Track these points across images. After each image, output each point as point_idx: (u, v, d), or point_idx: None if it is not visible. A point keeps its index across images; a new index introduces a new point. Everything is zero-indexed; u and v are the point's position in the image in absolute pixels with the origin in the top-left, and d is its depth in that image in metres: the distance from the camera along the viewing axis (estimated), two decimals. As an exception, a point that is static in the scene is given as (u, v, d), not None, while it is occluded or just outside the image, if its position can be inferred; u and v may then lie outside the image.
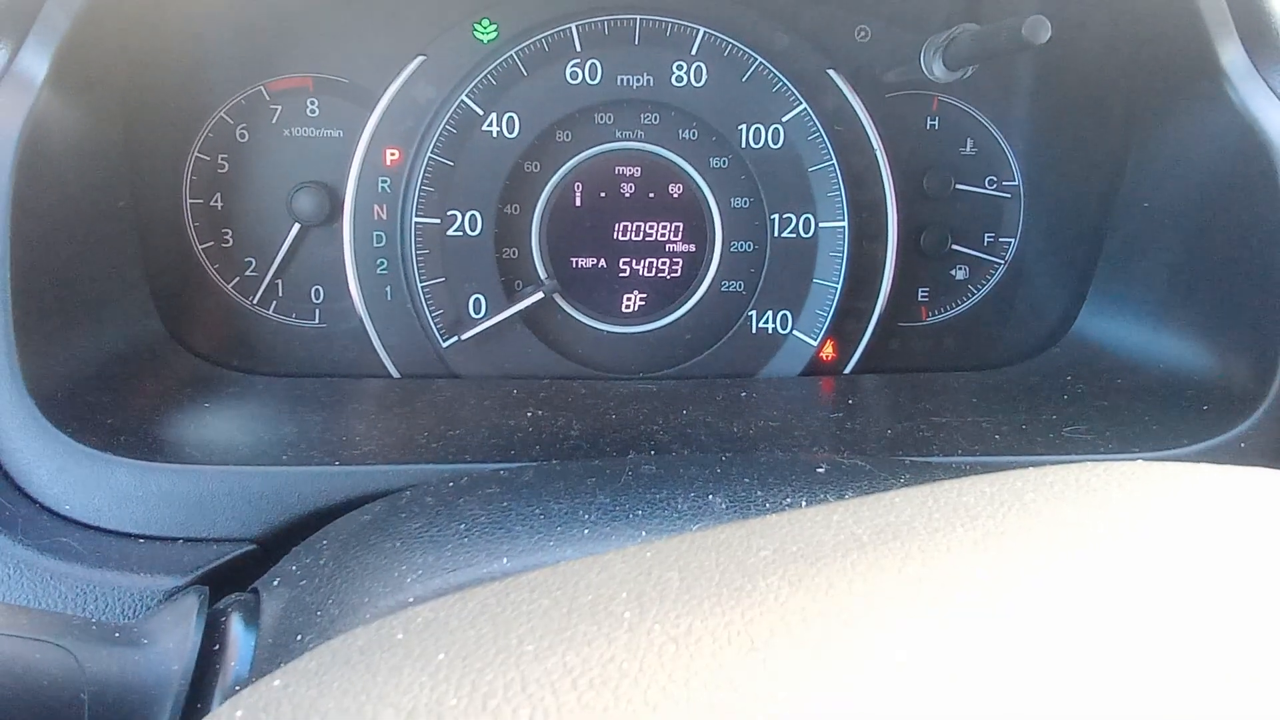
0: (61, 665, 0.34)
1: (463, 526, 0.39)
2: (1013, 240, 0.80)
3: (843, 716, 0.19)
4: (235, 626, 0.39)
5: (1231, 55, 0.63)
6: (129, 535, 0.51)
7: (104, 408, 0.56)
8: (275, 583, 0.42)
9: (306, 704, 0.22)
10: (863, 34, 0.77)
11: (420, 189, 0.73)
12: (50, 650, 0.34)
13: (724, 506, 0.39)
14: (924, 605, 0.22)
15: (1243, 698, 0.19)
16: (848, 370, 0.77)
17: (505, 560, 0.37)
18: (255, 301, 0.75)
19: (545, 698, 0.20)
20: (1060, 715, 0.19)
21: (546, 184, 0.75)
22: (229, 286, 0.75)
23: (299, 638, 0.37)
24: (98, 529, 0.51)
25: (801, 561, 0.25)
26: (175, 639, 0.38)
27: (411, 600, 0.36)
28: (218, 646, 0.38)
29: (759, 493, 0.40)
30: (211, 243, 0.75)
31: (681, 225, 0.76)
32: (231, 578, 0.48)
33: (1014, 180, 0.80)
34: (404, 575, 0.37)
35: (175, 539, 0.51)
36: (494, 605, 0.26)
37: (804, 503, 0.39)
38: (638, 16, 0.73)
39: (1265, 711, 0.19)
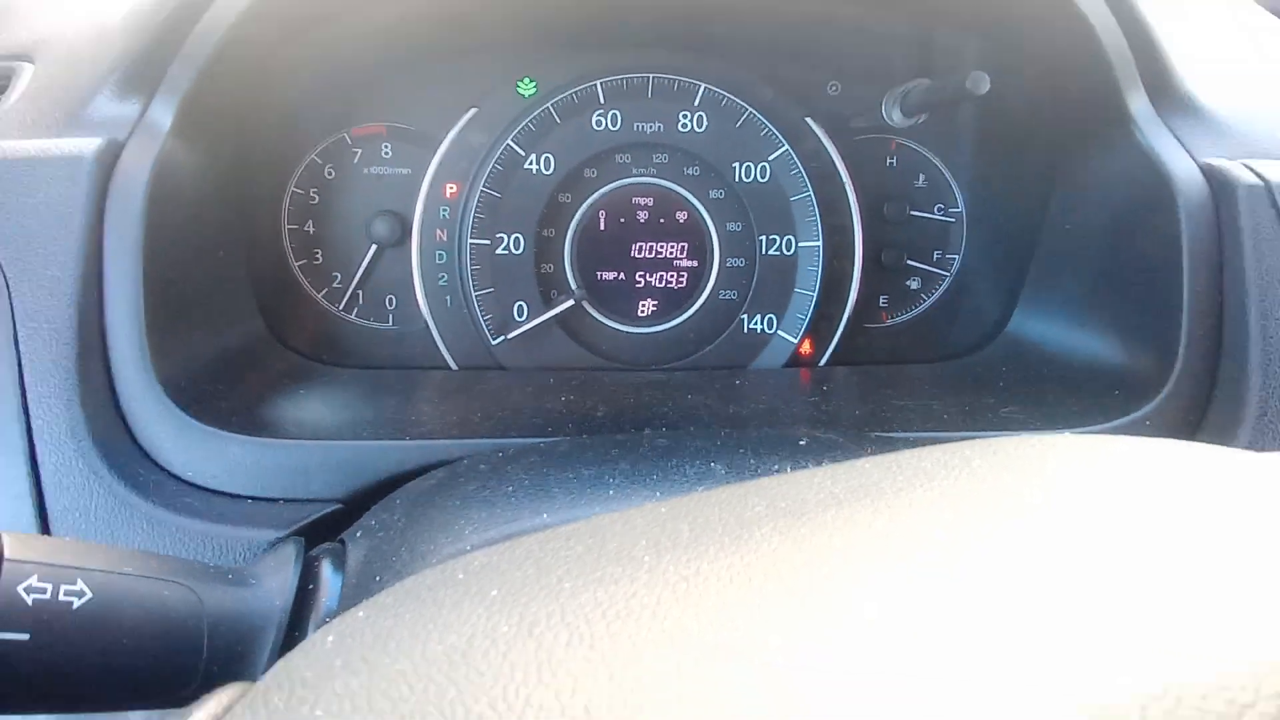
0: (187, 601, 0.35)
1: (510, 489, 0.40)
2: (957, 257, 0.82)
3: (824, 640, 0.19)
4: (326, 570, 0.41)
5: (1138, 104, 0.64)
6: (239, 496, 0.52)
7: (219, 394, 0.57)
8: (358, 534, 0.43)
9: (385, 631, 0.23)
10: (834, 88, 0.79)
11: (474, 216, 0.75)
12: (178, 589, 0.35)
13: (723, 472, 0.40)
14: (890, 552, 0.23)
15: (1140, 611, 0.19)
16: (822, 363, 0.78)
17: (544, 516, 0.38)
18: (340, 308, 0.78)
19: (580, 626, 0.21)
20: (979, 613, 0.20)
21: (576, 211, 0.77)
22: (319, 296, 0.77)
23: (377, 579, 0.38)
24: (214, 491, 0.52)
25: (789, 515, 0.26)
26: (278, 580, 0.39)
27: (469, 548, 0.36)
28: (312, 586, 0.40)
29: (752, 461, 0.41)
30: (305, 260, 0.77)
31: (686, 245, 0.78)
32: (321, 531, 0.50)
33: (958, 207, 0.81)
34: (463, 528, 0.38)
35: (276, 499, 0.52)
36: (537, 551, 0.27)
37: (789, 468, 0.40)
38: (650, 75, 0.75)
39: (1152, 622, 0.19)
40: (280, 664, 0.24)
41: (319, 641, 0.24)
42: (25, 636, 0.30)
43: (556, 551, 0.26)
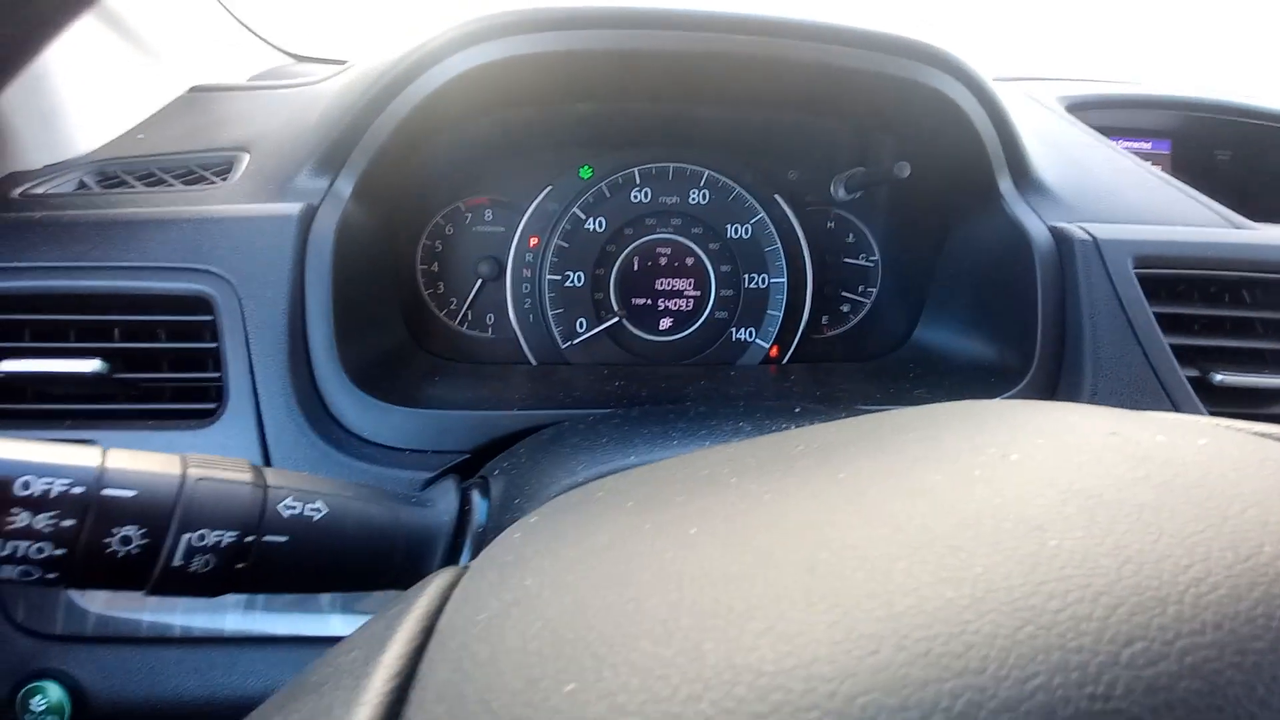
0: (387, 516, 0.35)
1: (604, 440, 0.40)
2: (875, 289, 0.82)
3: (867, 521, 0.19)
4: (475, 496, 0.41)
5: (1005, 184, 0.65)
6: (399, 449, 0.52)
7: (384, 379, 0.58)
8: (495, 472, 0.43)
9: (558, 528, 0.23)
10: (794, 175, 0.80)
11: (550, 260, 0.75)
12: (381, 508, 0.35)
13: (749, 429, 0.40)
14: (894, 463, 0.23)
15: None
16: (785, 361, 0.79)
17: (632, 457, 0.37)
18: (456, 323, 0.77)
19: (702, 521, 0.21)
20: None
21: (619, 257, 0.77)
22: (441, 315, 0.77)
23: (515, 501, 0.38)
24: (381, 445, 0.52)
25: (823, 452, 0.25)
26: (445, 503, 0.39)
27: (580, 481, 0.36)
28: (467, 507, 0.40)
29: (767, 421, 0.41)
30: (432, 290, 0.77)
31: (693, 280, 0.79)
32: (461, 472, 0.49)
33: (876, 256, 0.82)
34: (574, 465, 0.38)
35: (425, 451, 0.52)
36: (650, 477, 0.26)
37: (795, 425, 0.40)
38: (671, 164, 0.76)
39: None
40: (484, 554, 0.24)
41: (509, 536, 0.24)
42: (285, 539, 0.30)
43: (665, 478, 0.26)
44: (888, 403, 0.57)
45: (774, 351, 0.78)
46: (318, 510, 0.32)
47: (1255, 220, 0.67)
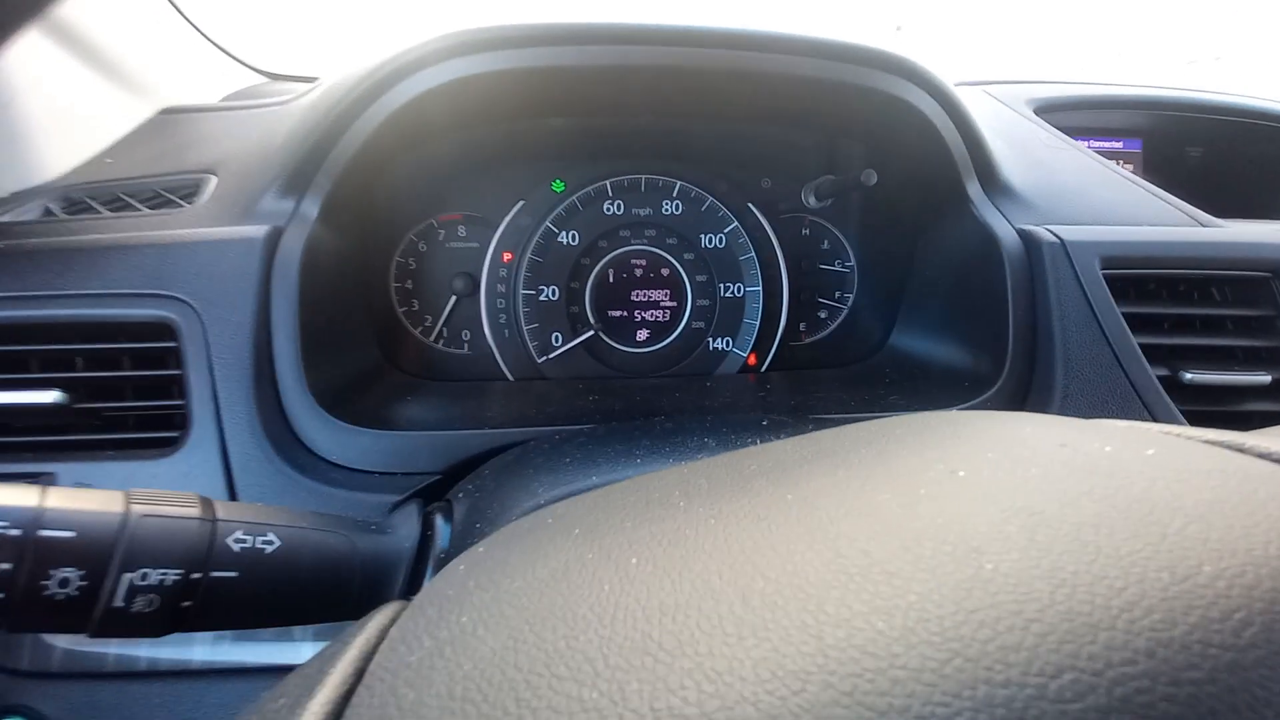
0: (345, 545, 0.34)
1: (567, 460, 0.39)
2: (851, 295, 0.82)
3: (809, 545, 0.18)
4: (438, 520, 0.40)
5: (974, 189, 0.65)
6: (368, 472, 0.51)
7: (352, 400, 0.56)
8: (460, 495, 0.42)
9: (502, 559, 0.23)
10: (766, 183, 0.80)
11: (524, 275, 0.75)
12: (338, 537, 0.34)
13: (714, 444, 0.40)
14: (842, 482, 0.22)
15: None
16: (763, 369, 0.78)
17: (594, 478, 0.37)
18: (431, 340, 0.76)
19: (644, 549, 0.20)
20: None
21: (594, 270, 0.77)
22: (416, 332, 0.76)
23: (477, 526, 0.37)
24: (351, 469, 0.51)
25: (775, 470, 0.25)
26: (406, 528, 0.38)
27: (543, 502, 0.35)
28: (430, 532, 0.39)
29: (732, 436, 0.40)
30: (406, 308, 0.76)
31: (669, 291, 0.78)
32: (427, 495, 0.49)
33: (851, 262, 0.82)
34: (536, 488, 0.37)
35: (394, 473, 0.51)
36: (602, 501, 0.26)
37: (759, 441, 0.39)
38: (643, 175, 0.76)
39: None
40: (426, 587, 0.23)
41: (454, 569, 0.23)
42: (234, 574, 0.29)
43: (615, 501, 0.25)
44: (861, 410, 0.57)
45: (752, 360, 0.78)
46: (270, 542, 0.31)
47: (1228, 217, 0.68)
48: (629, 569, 0.20)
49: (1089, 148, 0.77)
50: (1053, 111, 0.87)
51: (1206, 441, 0.24)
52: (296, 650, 0.53)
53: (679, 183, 0.76)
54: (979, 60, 1.05)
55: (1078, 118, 0.91)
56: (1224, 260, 0.61)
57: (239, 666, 0.52)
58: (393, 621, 0.22)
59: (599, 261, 0.76)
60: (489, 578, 0.22)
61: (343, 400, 0.55)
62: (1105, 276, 0.59)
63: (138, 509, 0.28)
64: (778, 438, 0.40)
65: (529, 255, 0.74)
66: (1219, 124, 0.94)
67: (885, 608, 0.15)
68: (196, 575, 0.28)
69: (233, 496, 0.48)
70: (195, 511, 0.29)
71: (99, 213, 0.60)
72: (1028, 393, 0.58)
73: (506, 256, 0.74)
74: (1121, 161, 0.95)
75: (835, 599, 0.16)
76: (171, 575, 0.28)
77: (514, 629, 0.18)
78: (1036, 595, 0.15)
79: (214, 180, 0.62)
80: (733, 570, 0.18)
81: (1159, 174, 0.93)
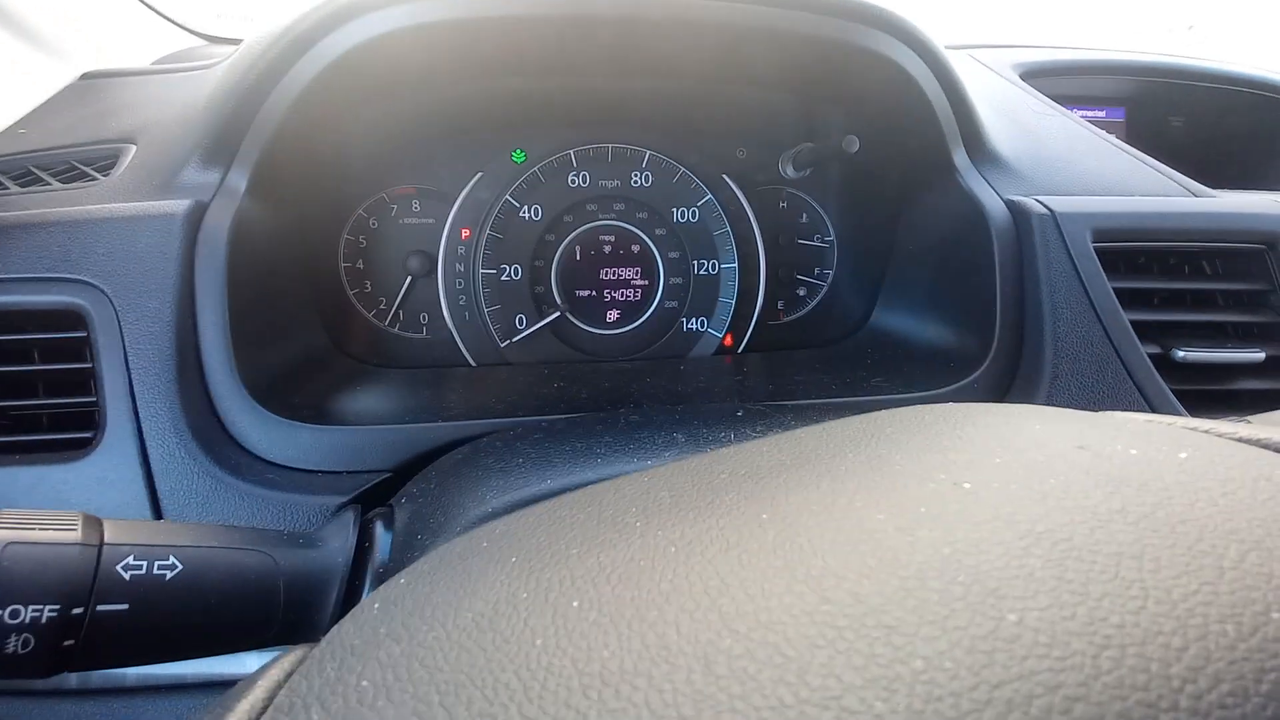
0: (264, 564, 0.31)
1: (520, 460, 0.36)
2: (831, 271, 0.79)
3: (788, 585, 0.16)
4: (379, 530, 0.36)
5: (960, 157, 0.62)
6: (309, 471, 0.47)
7: (292, 392, 0.52)
8: (403, 500, 0.38)
9: (422, 598, 0.19)
10: (741, 153, 0.76)
11: (483, 253, 0.70)
12: (256, 555, 0.31)
13: (683, 440, 0.37)
14: (835, 506, 0.19)
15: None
16: (740, 351, 0.75)
17: (548, 482, 0.33)
18: (386, 324, 0.71)
19: (588, 589, 0.17)
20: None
21: (559, 247, 0.73)
22: (369, 315, 0.72)
23: (419, 536, 0.33)
24: (289, 468, 0.47)
25: (749, 480, 0.21)
26: (340, 541, 0.34)
27: (490, 510, 0.32)
28: (368, 544, 0.35)
29: (704, 430, 0.37)
30: (358, 290, 0.71)
31: (640, 269, 0.74)
32: (376, 496, 0.45)
33: (830, 236, 0.78)
34: (484, 494, 0.34)
35: (340, 472, 0.47)
36: (546, 519, 0.22)
37: (732, 436, 0.36)
38: (610, 145, 0.71)
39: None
40: (333, 632, 0.19)
41: (367, 608, 0.20)
42: (125, 607, 0.25)
43: (562, 519, 0.22)
44: (844, 394, 0.54)
45: (728, 341, 0.74)
46: (170, 567, 0.27)
47: (1213, 188, 0.65)
48: (568, 615, 0.16)
49: (1076, 115, 0.74)
50: (1040, 77, 0.84)
51: (1241, 440, 0.21)
52: (239, 662, 0.49)
53: (648, 152, 0.71)
54: (956, 25, 1.02)
55: (1062, 85, 0.88)
56: (1220, 231, 0.59)
57: (177, 682, 0.48)
58: (288, 677, 0.18)
59: (564, 238, 0.71)
60: (404, 623, 0.18)
61: (280, 391, 0.50)
62: (1096, 250, 0.56)
63: (3, 535, 0.24)
64: (754, 431, 0.37)
65: (489, 231, 0.69)
66: (1201, 93, 0.92)
67: (884, 679, 0.12)
68: (78, 610, 0.24)
69: (155, 502, 0.44)
70: (75, 536, 0.25)
71: (6, 188, 0.54)
72: (1015, 371, 0.56)
73: (465, 233, 0.70)
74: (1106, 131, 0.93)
75: (820, 667, 0.13)
76: (48, 612, 0.24)
77: (420, 700, 0.15)
78: (1076, 662, 0.12)
79: (132, 150, 0.56)
80: (693, 622, 0.15)
81: (1142, 144, 0.91)
